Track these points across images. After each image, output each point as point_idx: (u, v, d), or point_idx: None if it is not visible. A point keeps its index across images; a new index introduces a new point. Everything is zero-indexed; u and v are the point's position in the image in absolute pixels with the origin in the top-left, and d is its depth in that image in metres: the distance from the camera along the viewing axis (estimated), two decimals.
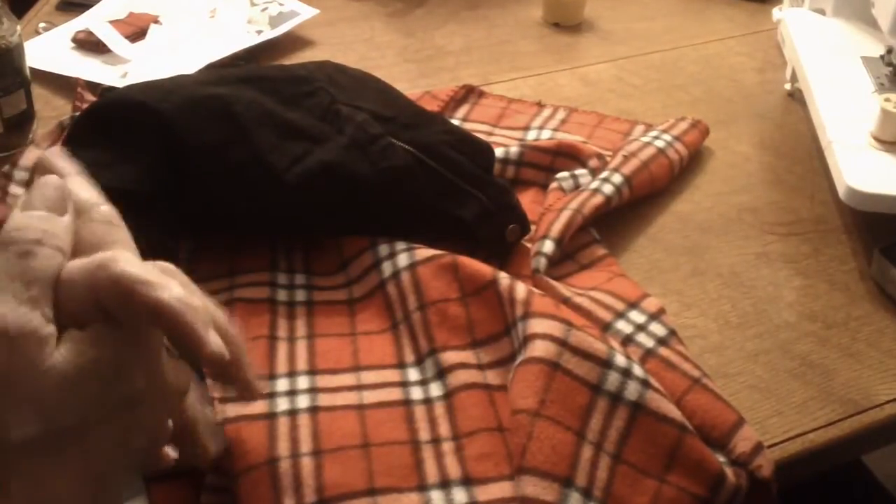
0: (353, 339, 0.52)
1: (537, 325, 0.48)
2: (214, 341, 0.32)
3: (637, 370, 0.47)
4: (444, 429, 0.47)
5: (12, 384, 0.28)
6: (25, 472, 0.29)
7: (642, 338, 0.51)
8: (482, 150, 0.61)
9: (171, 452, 0.38)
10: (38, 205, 0.32)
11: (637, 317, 0.53)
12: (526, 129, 0.73)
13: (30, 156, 0.64)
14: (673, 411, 0.46)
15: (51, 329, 0.30)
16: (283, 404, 0.47)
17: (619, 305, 0.54)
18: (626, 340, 0.51)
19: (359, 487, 0.43)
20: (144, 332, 0.32)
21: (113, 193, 0.51)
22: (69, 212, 0.33)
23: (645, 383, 0.46)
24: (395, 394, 0.48)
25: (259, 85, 0.58)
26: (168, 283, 0.31)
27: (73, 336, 0.30)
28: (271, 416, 0.46)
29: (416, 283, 0.53)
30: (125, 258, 0.31)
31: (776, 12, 0.91)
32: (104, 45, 0.82)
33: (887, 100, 0.64)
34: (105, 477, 0.31)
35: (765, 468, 0.46)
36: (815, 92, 0.71)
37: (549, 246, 0.57)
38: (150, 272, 0.31)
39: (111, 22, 0.86)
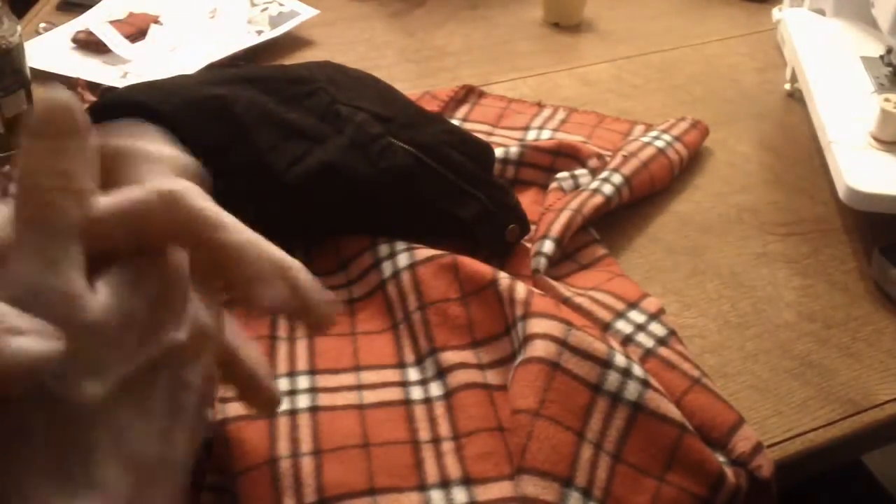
0: (353, 338, 0.52)
1: (537, 325, 0.48)
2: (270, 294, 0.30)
3: (637, 370, 0.47)
4: (444, 428, 0.47)
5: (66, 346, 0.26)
6: (108, 430, 0.27)
7: (642, 338, 0.51)
8: (482, 151, 0.61)
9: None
10: (46, 130, 0.27)
11: (637, 317, 0.53)
12: (526, 129, 0.73)
13: None
14: (673, 411, 0.46)
15: (81, 285, 0.27)
16: (283, 404, 0.47)
17: (619, 305, 0.54)
18: (626, 340, 0.51)
19: (359, 487, 0.43)
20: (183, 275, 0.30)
21: None
22: (86, 134, 0.28)
23: (645, 383, 0.46)
24: (395, 393, 0.48)
25: (259, 85, 0.58)
26: (239, 225, 0.30)
27: (111, 282, 0.28)
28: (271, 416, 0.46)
29: (416, 283, 0.53)
30: (193, 191, 0.29)
31: (776, 12, 0.91)
32: (104, 46, 0.82)
33: (887, 100, 0.64)
34: (168, 434, 0.30)
35: (764, 468, 0.46)
36: (814, 92, 0.72)
37: (548, 246, 0.57)
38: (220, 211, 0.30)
39: (111, 22, 0.86)
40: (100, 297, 0.28)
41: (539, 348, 0.47)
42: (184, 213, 0.29)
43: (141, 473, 0.28)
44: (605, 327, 0.52)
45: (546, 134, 0.72)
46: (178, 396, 0.30)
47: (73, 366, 0.26)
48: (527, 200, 0.63)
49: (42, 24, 0.88)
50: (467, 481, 0.44)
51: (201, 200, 0.30)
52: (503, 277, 0.52)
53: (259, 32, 0.88)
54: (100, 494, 0.26)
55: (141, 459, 0.28)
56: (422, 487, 0.44)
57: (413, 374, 0.50)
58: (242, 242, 0.30)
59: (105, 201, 0.29)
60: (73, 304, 0.27)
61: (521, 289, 0.51)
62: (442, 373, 0.49)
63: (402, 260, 0.54)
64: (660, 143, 0.68)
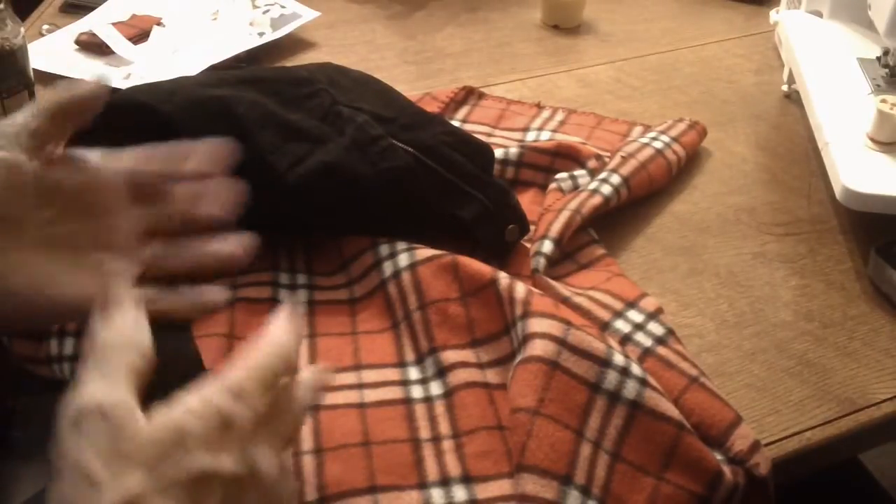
0: (354, 338, 0.52)
1: (536, 325, 0.48)
2: None
3: (635, 369, 0.47)
4: (444, 427, 0.47)
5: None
6: None
7: (640, 337, 0.52)
8: (482, 151, 0.62)
9: None
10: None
11: (635, 316, 0.53)
12: (525, 130, 0.74)
13: None
14: (671, 410, 0.46)
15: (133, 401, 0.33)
16: None
17: (618, 305, 0.54)
18: (625, 339, 0.52)
19: (360, 485, 0.43)
20: None
21: None
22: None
23: (643, 382, 0.47)
24: (395, 392, 0.49)
25: (260, 86, 0.59)
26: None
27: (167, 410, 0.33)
28: None
29: (416, 283, 0.53)
30: None
31: (773, 14, 0.92)
32: (107, 47, 0.83)
33: (883, 101, 0.65)
34: None
35: (762, 466, 0.46)
36: (811, 93, 0.72)
37: (548, 246, 0.57)
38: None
39: (114, 24, 0.87)
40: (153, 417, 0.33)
41: (538, 347, 0.47)
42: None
43: None
44: (604, 326, 0.52)
45: (545, 135, 0.72)
46: None
47: (118, 462, 0.31)
48: (526, 201, 0.63)
49: (45, 26, 0.88)
50: (467, 479, 0.44)
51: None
52: (503, 277, 0.52)
53: (261, 34, 0.88)
54: None
55: None
56: (422, 485, 0.44)
57: (413, 372, 0.50)
58: None
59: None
60: (127, 413, 0.32)
61: (520, 288, 0.51)
62: (442, 372, 0.50)
63: (403, 260, 0.54)
64: (658, 144, 0.69)
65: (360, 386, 0.49)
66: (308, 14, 0.92)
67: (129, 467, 0.31)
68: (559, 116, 0.76)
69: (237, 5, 0.93)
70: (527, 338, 0.48)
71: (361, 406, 0.48)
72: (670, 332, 0.53)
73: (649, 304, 0.55)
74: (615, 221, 0.65)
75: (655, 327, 0.53)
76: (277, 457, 0.35)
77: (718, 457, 0.46)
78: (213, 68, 0.81)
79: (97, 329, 0.34)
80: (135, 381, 0.34)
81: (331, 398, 0.48)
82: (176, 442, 0.32)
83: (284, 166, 0.55)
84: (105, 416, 0.32)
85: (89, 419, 0.32)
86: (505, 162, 0.67)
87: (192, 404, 0.33)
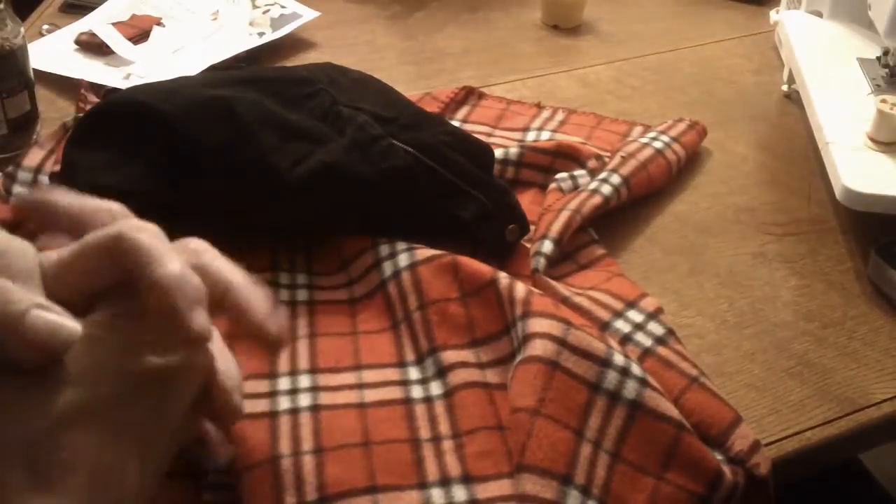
0: (354, 338, 0.52)
1: (536, 325, 0.48)
2: (197, 320, 0.31)
3: (635, 369, 0.47)
4: (444, 427, 0.47)
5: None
6: (68, 447, 0.29)
7: (640, 337, 0.52)
8: (482, 151, 0.62)
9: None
10: None
11: (635, 316, 0.53)
12: (525, 130, 0.74)
13: (33, 156, 0.65)
14: (671, 410, 0.46)
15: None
16: (284, 403, 0.47)
17: (618, 305, 0.54)
18: (625, 339, 0.52)
19: (359, 485, 0.43)
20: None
21: (115, 194, 0.52)
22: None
23: (643, 382, 0.47)
24: (395, 392, 0.49)
25: (261, 86, 0.59)
26: (167, 258, 0.31)
27: (91, 319, 0.31)
28: (273, 415, 0.46)
29: (416, 283, 0.53)
30: (144, 230, 0.32)
31: (773, 14, 0.92)
32: (107, 47, 0.83)
33: (883, 101, 0.65)
34: (148, 449, 0.32)
35: (762, 466, 0.46)
36: (811, 93, 0.72)
37: (548, 246, 0.57)
38: (158, 246, 0.32)
39: (114, 24, 0.87)
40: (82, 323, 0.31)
41: (538, 347, 0.47)
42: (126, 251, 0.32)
43: (98, 485, 0.30)
44: (604, 326, 0.52)
45: (545, 135, 0.72)
46: (153, 424, 0.32)
47: (53, 373, 0.29)
48: (526, 201, 0.63)
49: (45, 26, 0.89)
50: (467, 479, 0.44)
51: (143, 236, 0.32)
52: (503, 277, 0.52)
53: (261, 34, 0.88)
54: (55, 498, 0.28)
55: (104, 475, 0.30)
56: (422, 485, 0.44)
57: (413, 372, 0.50)
58: (161, 278, 0.32)
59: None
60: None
61: (520, 288, 0.51)
62: (442, 372, 0.50)
63: (403, 260, 0.54)
64: (658, 144, 0.69)
65: (360, 386, 0.49)
66: (308, 14, 0.92)
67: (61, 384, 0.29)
68: (559, 116, 0.76)
69: (237, 5, 0.93)
70: (527, 338, 0.48)
71: (361, 406, 0.48)
72: (670, 332, 0.53)
73: (649, 304, 0.55)
74: (615, 221, 0.65)
75: (655, 327, 0.53)
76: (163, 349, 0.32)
77: (718, 457, 0.46)
78: (213, 68, 0.81)
79: None
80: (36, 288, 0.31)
81: (331, 398, 0.48)
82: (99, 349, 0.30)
83: (285, 166, 0.55)
84: None
85: None
86: (505, 162, 0.67)
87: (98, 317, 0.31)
